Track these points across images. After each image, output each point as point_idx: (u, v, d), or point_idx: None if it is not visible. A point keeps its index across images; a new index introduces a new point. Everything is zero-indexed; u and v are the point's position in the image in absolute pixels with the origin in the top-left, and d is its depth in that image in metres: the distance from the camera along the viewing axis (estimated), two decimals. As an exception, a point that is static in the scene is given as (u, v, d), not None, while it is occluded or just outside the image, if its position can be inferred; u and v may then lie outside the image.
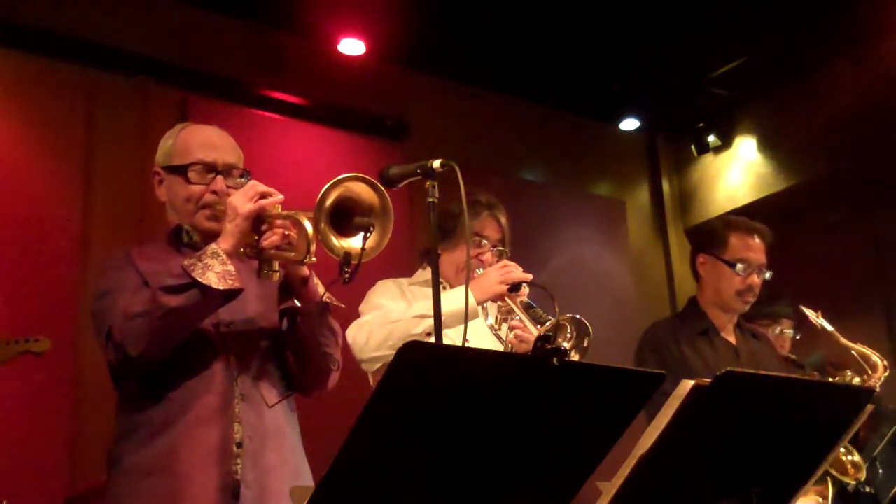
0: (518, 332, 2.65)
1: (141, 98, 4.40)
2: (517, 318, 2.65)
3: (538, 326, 2.52)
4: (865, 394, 2.09)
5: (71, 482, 3.70)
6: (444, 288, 2.92)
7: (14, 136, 4.09)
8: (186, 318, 2.06)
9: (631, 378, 1.75)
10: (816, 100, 5.58)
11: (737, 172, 6.17)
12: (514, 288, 2.65)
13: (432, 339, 2.22)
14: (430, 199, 2.20)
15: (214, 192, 2.26)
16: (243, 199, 2.09)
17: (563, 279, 5.41)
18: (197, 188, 2.27)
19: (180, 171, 2.28)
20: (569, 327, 2.44)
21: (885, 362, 3.14)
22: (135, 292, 2.13)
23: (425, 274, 2.96)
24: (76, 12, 4.33)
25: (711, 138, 6.22)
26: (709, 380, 1.72)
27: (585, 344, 2.44)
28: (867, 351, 3.23)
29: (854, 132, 5.33)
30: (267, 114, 4.85)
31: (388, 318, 2.73)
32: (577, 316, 2.45)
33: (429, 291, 2.47)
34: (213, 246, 2.07)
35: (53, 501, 3.55)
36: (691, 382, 1.73)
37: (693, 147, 6.34)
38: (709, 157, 6.34)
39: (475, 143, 5.41)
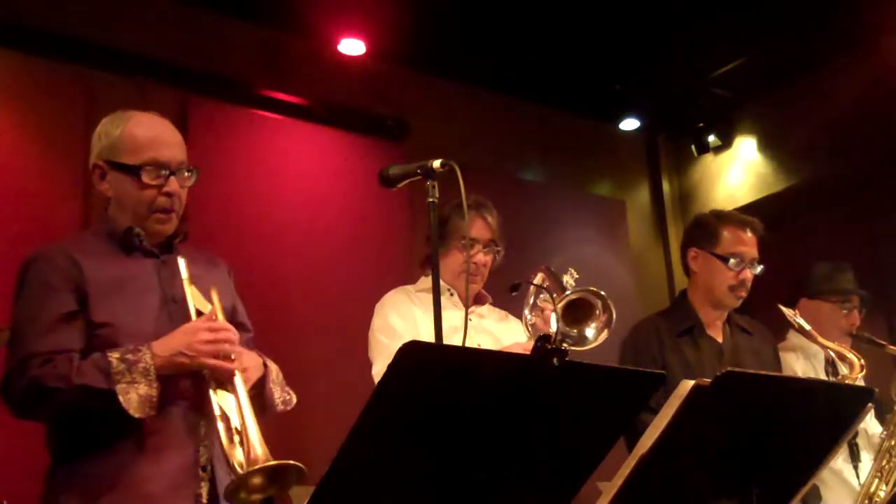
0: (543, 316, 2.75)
1: (141, 98, 4.37)
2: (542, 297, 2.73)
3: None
4: (865, 394, 2.09)
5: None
6: (452, 294, 2.98)
7: (14, 135, 4.08)
8: (95, 415, 1.98)
9: (631, 378, 1.75)
10: (816, 100, 5.56)
11: (737, 172, 6.16)
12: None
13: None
14: (430, 200, 2.22)
15: (167, 195, 2.18)
16: (209, 348, 2.02)
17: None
18: (150, 192, 2.17)
19: (132, 171, 2.16)
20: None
21: (863, 361, 3.08)
22: (51, 328, 2.03)
23: (428, 280, 2.98)
24: (76, 12, 4.32)
25: (711, 138, 6.20)
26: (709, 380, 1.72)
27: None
28: (844, 350, 3.18)
29: (854, 132, 5.32)
30: (267, 114, 4.84)
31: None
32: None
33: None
34: (148, 359, 1.98)
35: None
36: (691, 382, 1.73)
37: (693, 147, 6.32)
38: (709, 157, 6.33)
39: (475, 143, 5.40)
